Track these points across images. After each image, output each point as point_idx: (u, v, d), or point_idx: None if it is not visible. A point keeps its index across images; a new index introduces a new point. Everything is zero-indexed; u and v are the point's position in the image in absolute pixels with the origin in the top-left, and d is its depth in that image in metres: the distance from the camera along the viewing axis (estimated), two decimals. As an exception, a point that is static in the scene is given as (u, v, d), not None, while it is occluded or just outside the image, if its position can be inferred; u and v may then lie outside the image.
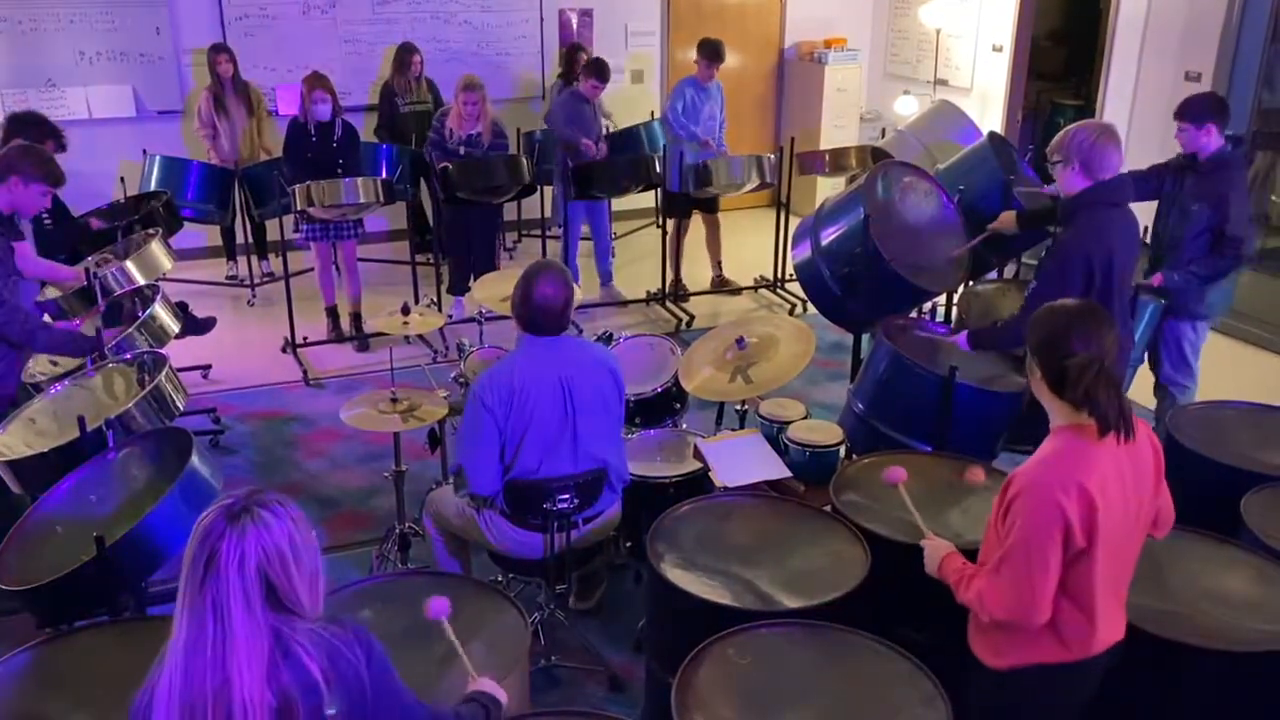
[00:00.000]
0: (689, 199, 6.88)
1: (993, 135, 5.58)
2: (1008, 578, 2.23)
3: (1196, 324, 4.60)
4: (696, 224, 7.22)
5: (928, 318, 5.07)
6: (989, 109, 8.06)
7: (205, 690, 1.63)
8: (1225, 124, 4.40)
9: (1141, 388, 4.84)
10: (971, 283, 4.97)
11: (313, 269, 6.56)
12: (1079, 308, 2.33)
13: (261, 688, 1.64)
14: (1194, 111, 4.36)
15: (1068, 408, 2.26)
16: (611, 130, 7.48)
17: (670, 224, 7.06)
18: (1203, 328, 4.64)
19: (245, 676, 1.63)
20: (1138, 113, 6.88)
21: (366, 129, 7.53)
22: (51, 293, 4.64)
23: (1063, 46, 9.57)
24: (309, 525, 1.77)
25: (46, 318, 4.24)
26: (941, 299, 5.16)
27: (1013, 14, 7.84)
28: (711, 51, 6.78)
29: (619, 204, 7.58)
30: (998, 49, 8.01)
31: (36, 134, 4.62)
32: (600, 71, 6.65)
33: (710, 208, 7.12)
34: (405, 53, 7.31)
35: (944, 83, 8.46)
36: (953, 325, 4.70)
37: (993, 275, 5.26)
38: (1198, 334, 4.63)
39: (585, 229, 7.11)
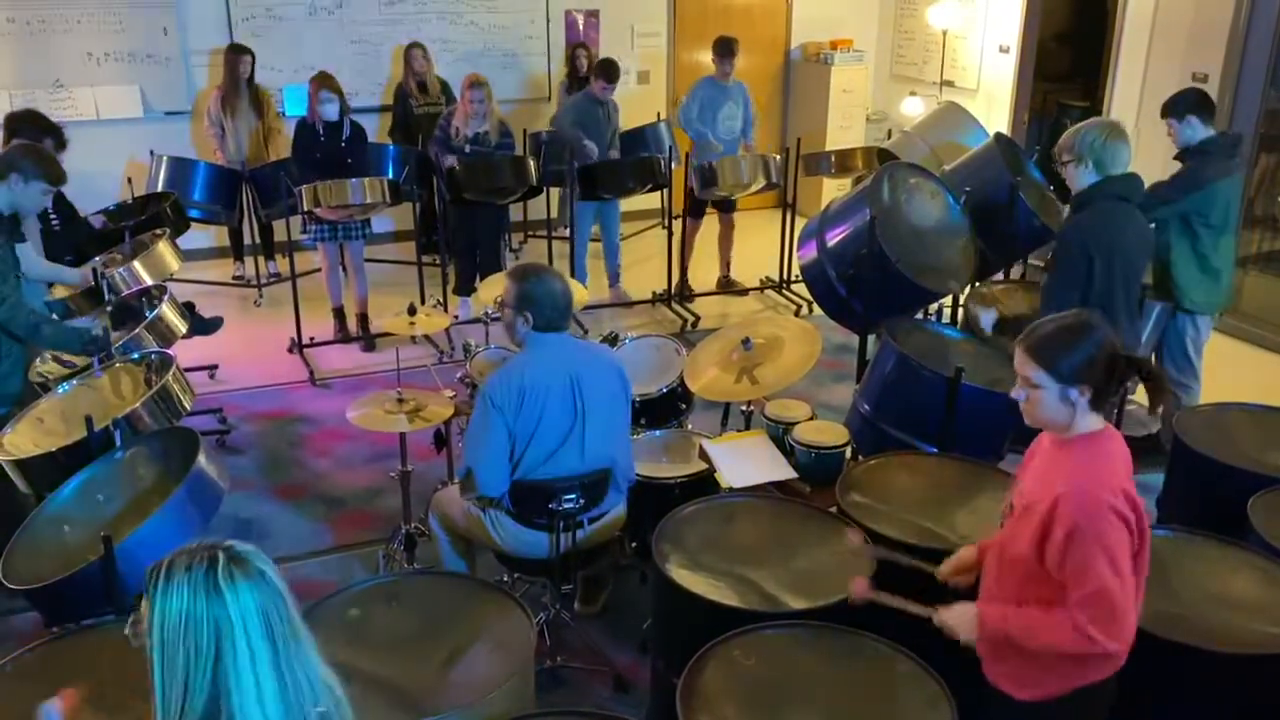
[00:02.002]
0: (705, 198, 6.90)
1: (999, 136, 5.57)
2: (1114, 605, 2.09)
3: (1196, 318, 4.60)
4: (709, 224, 7.22)
5: (934, 319, 5.06)
6: (995, 110, 8.05)
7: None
8: (1208, 117, 4.47)
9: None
10: (977, 284, 4.97)
11: (319, 269, 6.57)
12: (1089, 317, 2.24)
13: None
14: (1175, 106, 4.48)
15: (1096, 417, 2.21)
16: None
17: (686, 223, 7.07)
18: (1204, 323, 4.64)
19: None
20: (1145, 114, 6.86)
21: (377, 130, 7.54)
22: (60, 293, 4.66)
23: (1069, 47, 9.55)
24: None
25: (54, 317, 4.24)
26: (948, 300, 5.15)
27: (1019, 15, 7.83)
28: (723, 48, 6.81)
29: (625, 205, 7.58)
30: (1004, 50, 8.00)
31: (34, 132, 4.62)
32: (606, 71, 6.68)
33: (727, 207, 7.14)
34: (410, 52, 7.34)
35: (950, 84, 8.45)
36: (961, 326, 4.69)
37: (998, 276, 5.25)
38: (1199, 330, 4.63)
39: (595, 229, 7.12)
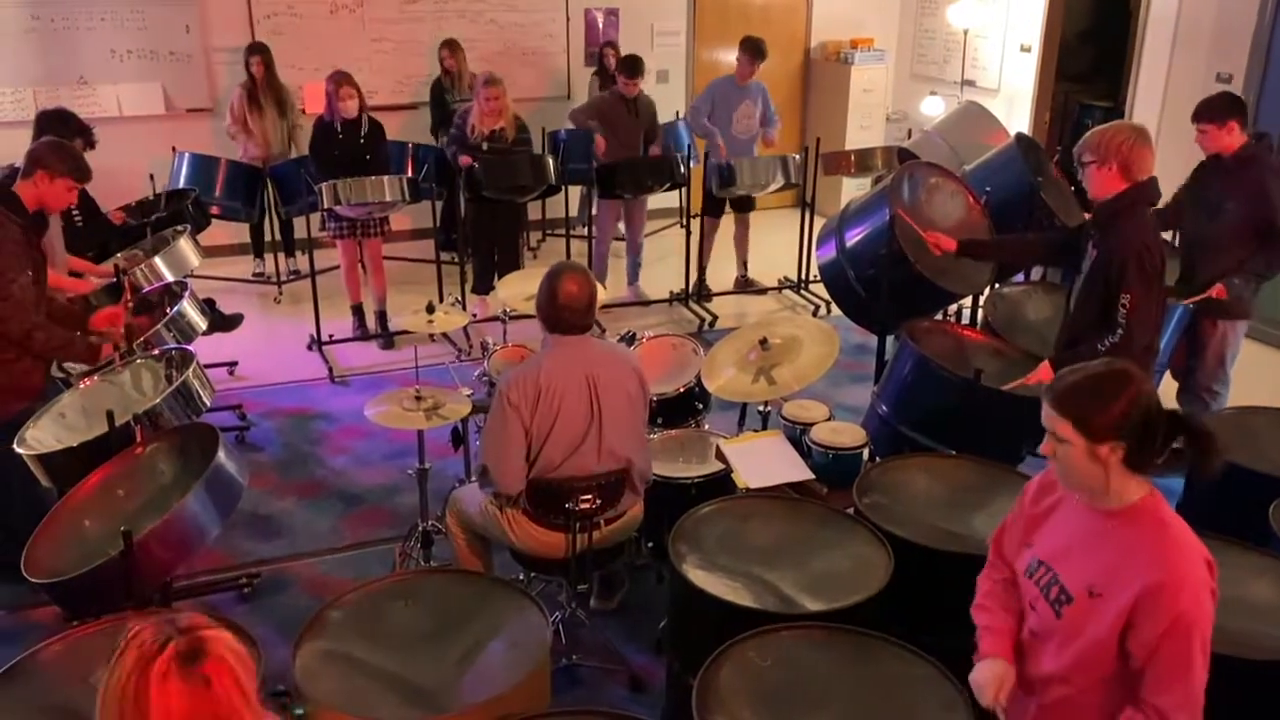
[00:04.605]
0: (724, 197, 6.89)
1: (1020, 136, 5.54)
2: (1201, 696, 1.97)
3: (1237, 324, 4.54)
4: (725, 224, 7.22)
5: (953, 320, 5.04)
6: (1016, 110, 8.01)
7: None
8: (1245, 120, 4.38)
9: (1164, 393, 4.80)
10: (997, 285, 4.94)
11: (339, 266, 6.60)
12: (1125, 366, 2.07)
13: None
14: (1214, 111, 4.33)
15: (1141, 479, 2.04)
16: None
17: (705, 222, 7.06)
18: (1242, 328, 4.57)
19: None
20: (1167, 114, 6.81)
21: (403, 128, 7.57)
22: (82, 288, 4.68)
23: (1091, 47, 9.49)
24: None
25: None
26: (967, 301, 5.13)
27: (1041, 14, 7.78)
28: (754, 49, 6.79)
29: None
30: (1026, 49, 7.96)
31: (65, 131, 4.66)
32: (627, 67, 6.67)
33: (744, 207, 7.12)
34: (447, 49, 7.37)
35: (971, 83, 8.41)
36: (981, 327, 4.67)
37: (1019, 278, 5.22)
38: (1237, 336, 4.56)
39: (620, 227, 7.12)
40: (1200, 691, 1.97)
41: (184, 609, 2.95)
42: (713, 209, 7.05)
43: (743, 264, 7.36)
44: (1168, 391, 4.82)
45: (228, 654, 1.53)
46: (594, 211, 7.23)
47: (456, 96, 7.41)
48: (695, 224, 7.14)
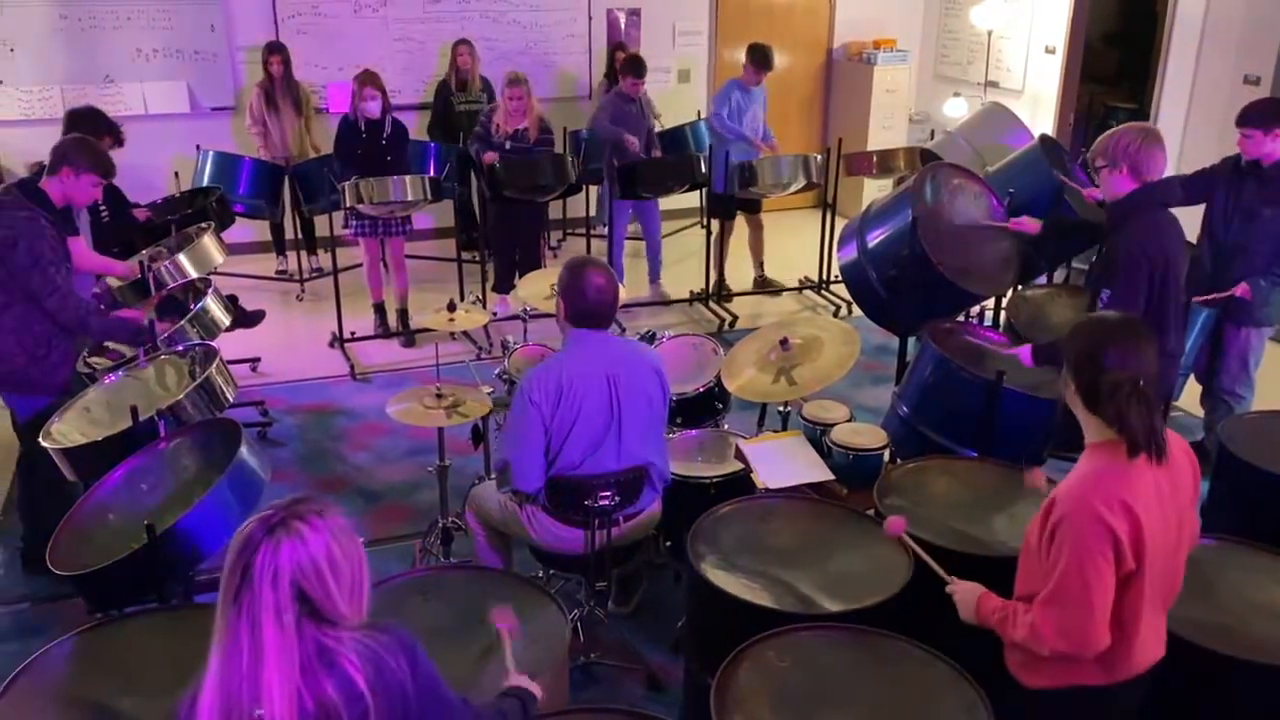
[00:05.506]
0: (733, 200, 6.87)
1: (1044, 138, 5.51)
2: (1065, 607, 2.14)
3: (1261, 330, 4.51)
4: (740, 225, 7.20)
5: (975, 321, 5.02)
6: (1040, 112, 7.96)
7: (242, 703, 1.61)
8: None
9: (1189, 396, 4.77)
10: (1020, 287, 4.92)
11: (361, 265, 6.63)
12: (1118, 322, 2.28)
13: (289, 704, 1.61)
14: (1263, 117, 4.28)
15: (1101, 423, 2.20)
16: (658, 129, 7.51)
17: (715, 225, 7.05)
18: (1266, 334, 4.55)
19: (275, 693, 1.60)
20: (1193, 116, 6.76)
21: (418, 128, 7.60)
22: (110, 283, 4.73)
23: (1117, 49, 9.43)
24: (351, 534, 1.73)
25: (102, 308, 4.31)
26: (990, 303, 5.11)
27: (1066, 15, 7.73)
28: (763, 59, 6.77)
29: (663, 204, 7.58)
30: (1050, 51, 7.91)
31: (94, 129, 4.71)
32: (635, 68, 6.68)
33: (753, 208, 7.11)
34: (457, 49, 7.40)
35: (995, 85, 8.36)
36: (1003, 329, 4.65)
37: (1042, 280, 5.20)
38: (1261, 341, 4.54)
39: (632, 228, 7.12)
40: (1064, 598, 2.13)
41: (206, 603, 2.98)
42: (722, 211, 7.02)
43: (759, 265, 7.34)
44: (1191, 395, 4.80)
45: (289, 553, 1.62)
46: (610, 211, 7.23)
47: (465, 98, 7.42)
48: (714, 225, 7.12)
